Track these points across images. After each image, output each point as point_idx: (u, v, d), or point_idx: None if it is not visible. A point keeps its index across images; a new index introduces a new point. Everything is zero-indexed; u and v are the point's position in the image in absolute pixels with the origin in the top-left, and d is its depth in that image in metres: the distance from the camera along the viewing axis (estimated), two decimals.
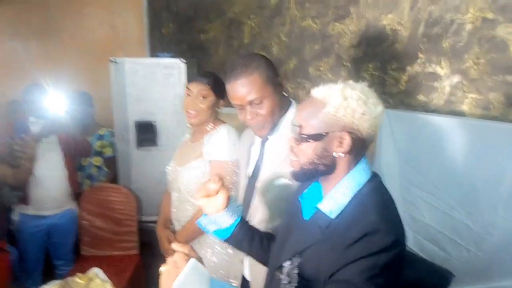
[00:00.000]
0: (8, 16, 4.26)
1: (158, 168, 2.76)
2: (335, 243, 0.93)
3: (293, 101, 1.43)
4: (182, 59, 2.63)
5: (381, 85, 2.24)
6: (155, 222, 2.73)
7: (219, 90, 1.71)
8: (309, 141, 0.98)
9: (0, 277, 2.07)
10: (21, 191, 2.39)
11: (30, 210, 2.47)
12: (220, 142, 1.68)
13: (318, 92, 1.01)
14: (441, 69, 2.04)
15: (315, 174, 1.01)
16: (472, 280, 1.62)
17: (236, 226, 1.18)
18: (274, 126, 1.35)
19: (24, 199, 2.45)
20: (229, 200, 1.15)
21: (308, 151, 0.99)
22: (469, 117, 1.92)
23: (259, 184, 1.40)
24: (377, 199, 0.98)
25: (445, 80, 2.03)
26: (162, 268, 0.91)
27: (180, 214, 1.77)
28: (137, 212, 2.76)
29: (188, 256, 0.91)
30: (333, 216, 0.97)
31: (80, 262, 2.64)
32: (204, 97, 1.70)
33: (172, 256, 0.92)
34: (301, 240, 1.02)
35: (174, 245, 0.96)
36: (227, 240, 1.21)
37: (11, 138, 2.26)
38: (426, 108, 2.09)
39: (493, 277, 1.58)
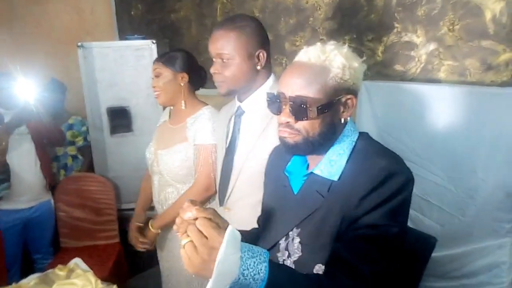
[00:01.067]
0: None
1: (134, 154, 2.70)
2: (344, 201, 0.90)
3: (272, 74, 1.38)
4: (153, 40, 2.54)
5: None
6: (134, 209, 2.70)
7: (178, 66, 1.67)
8: (317, 114, 0.91)
9: None
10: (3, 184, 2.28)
11: (3, 205, 2.37)
12: (204, 125, 1.64)
13: (312, 56, 0.92)
14: (417, 38, 2.02)
15: (323, 145, 0.96)
16: (454, 243, 1.64)
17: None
18: (238, 90, 1.35)
19: None
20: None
21: (316, 124, 0.92)
22: (446, 84, 1.92)
23: (236, 157, 1.37)
24: (376, 147, 0.97)
25: (421, 48, 2.02)
26: (184, 241, 0.74)
27: (162, 197, 1.72)
28: (116, 201, 2.68)
29: (213, 222, 0.75)
30: (335, 178, 0.94)
31: (60, 255, 2.57)
32: (157, 76, 1.67)
33: (191, 226, 0.74)
34: (298, 212, 0.98)
35: (193, 211, 0.75)
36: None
37: None
38: (404, 78, 2.08)
39: (473, 239, 1.61)
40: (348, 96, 0.94)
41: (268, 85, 1.35)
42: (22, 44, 3.72)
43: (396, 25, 2.07)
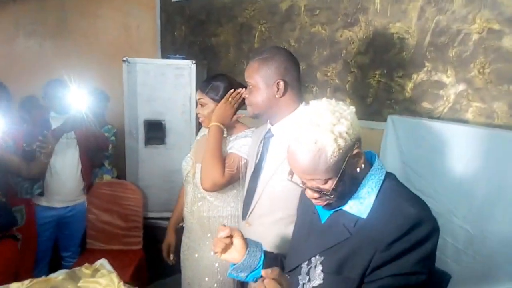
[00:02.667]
0: (25, 14, 4.38)
1: (164, 166, 2.83)
2: (372, 242, 0.94)
3: (303, 102, 1.48)
4: (193, 61, 2.69)
5: (387, 92, 2.28)
6: (159, 218, 2.81)
7: (221, 97, 1.73)
8: (335, 185, 0.96)
9: (10, 263, 2.12)
10: (38, 182, 2.46)
11: (42, 202, 2.54)
12: (242, 140, 1.71)
13: (305, 148, 0.95)
14: (447, 78, 2.08)
15: (352, 193, 1.02)
16: (469, 283, 1.64)
17: (263, 264, 1.17)
18: (262, 114, 1.47)
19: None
20: (246, 241, 1.16)
21: (339, 187, 0.97)
22: (472, 125, 1.95)
23: (261, 177, 1.47)
24: (404, 192, 1.01)
25: (450, 88, 2.07)
26: None
27: (194, 208, 1.81)
28: (143, 208, 2.80)
29: (277, 283, 0.95)
30: (363, 215, 0.99)
31: (85, 255, 2.69)
32: (202, 106, 1.77)
33: (263, 283, 0.96)
34: (323, 241, 1.04)
35: (263, 272, 0.98)
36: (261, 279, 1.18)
37: (31, 134, 2.32)
38: (431, 115, 2.13)
39: (488, 280, 1.61)
40: (354, 152, 0.97)
41: (298, 112, 1.44)
42: (69, 56, 4.00)
43: (427, 64, 2.14)
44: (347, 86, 2.44)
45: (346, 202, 1.02)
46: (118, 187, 2.81)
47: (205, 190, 1.67)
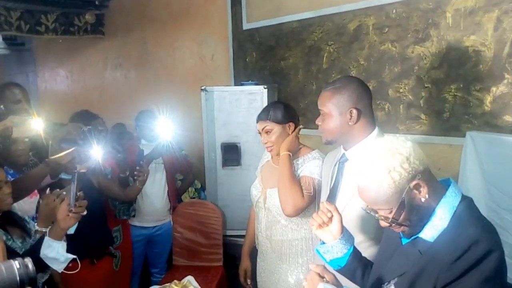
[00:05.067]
0: (112, 49, 4.90)
1: (240, 186, 2.96)
2: (437, 262, 1.01)
3: (376, 127, 1.52)
4: (264, 86, 2.83)
5: (464, 106, 2.22)
6: (237, 236, 2.95)
7: (284, 118, 1.83)
8: (401, 212, 1.04)
9: (108, 277, 2.37)
10: (133, 204, 2.74)
11: (135, 222, 2.81)
12: (312, 162, 1.80)
13: (363, 181, 1.08)
14: None
15: (421, 225, 1.08)
16: None
17: (350, 255, 1.26)
18: (335, 141, 1.53)
19: None
20: (343, 228, 1.26)
21: (404, 216, 1.05)
22: None
23: (337, 201, 1.51)
24: (471, 213, 1.06)
25: None
26: (304, 283, 1.17)
27: (269, 233, 1.89)
28: (222, 227, 2.96)
29: (320, 277, 1.12)
30: (433, 240, 1.05)
31: (171, 271, 2.90)
32: (267, 133, 1.85)
33: (310, 274, 1.15)
34: (402, 264, 1.11)
35: (311, 266, 1.17)
36: (342, 270, 1.29)
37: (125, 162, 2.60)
38: None
39: None
40: (414, 183, 1.03)
41: (372, 137, 1.48)
42: (154, 84, 4.37)
43: (507, 76, 2.05)
44: (421, 101, 2.40)
45: (421, 229, 1.08)
46: (200, 206, 3.01)
47: (288, 215, 1.74)
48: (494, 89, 2.10)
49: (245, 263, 2.17)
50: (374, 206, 1.08)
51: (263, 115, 1.88)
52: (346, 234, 1.26)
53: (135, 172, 2.38)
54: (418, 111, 2.42)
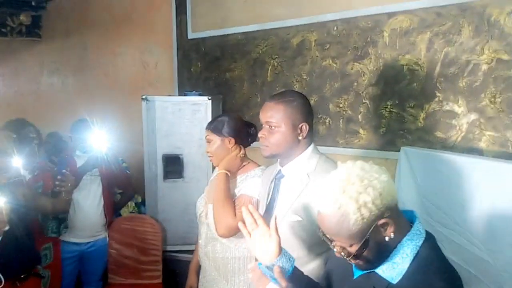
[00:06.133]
0: (49, 53, 4.62)
1: (183, 200, 2.88)
2: None
3: (312, 144, 1.52)
4: (208, 97, 2.78)
5: (399, 122, 2.31)
6: (178, 251, 2.85)
7: (224, 131, 1.79)
8: (363, 250, 0.96)
9: None
10: (65, 221, 2.56)
11: (66, 237, 2.62)
12: (252, 180, 1.75)
13: (327, 208, 0.97)
14: (458, 107, 2.10)
15: (381, 261, 1.01)
16: None
17: (288, 277, 1.14)
18: (280, 155, 1.49)
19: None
20: (281, 250, 1.16)
21: (366, 253, 0.97)
22: (486, 156, 1.96)
23: (272, 218, 1.47)
24: (439, 261, 0.98)
25: (462, 118, 2.09)
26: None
27: (208, 249, 1.83)
28: (162, 242, 2.85)
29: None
30: (394, 281, 0.97)
31: None
32: (208, 142, 1.83)
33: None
34: None
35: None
36: None
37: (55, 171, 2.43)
38: (445, 145, 2.14)
39: None
40: (382, 221, 0.94)
41: (308, 153, 1.48)
42: (94, 91, 4.16)
43: (438, 94, 2.17)
44: (359, 117, 2.47)
45: (378, 265, 1.01)
46: (138, 221, 2.87)
47: (222, 236, 1.68)
48: (426, 106, 2.21)
49: (191, 280, 2.07)
50: (333, 236, 0.99)
51: (207, 124, 1.87)
52: (284, 256, 1.17)
53: (56, 182, 2.21)
54: (357, 126, 2.49)
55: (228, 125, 1.81)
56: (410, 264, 0.97)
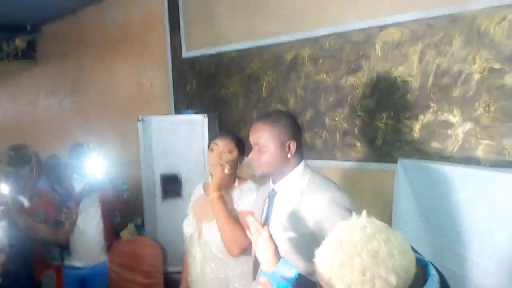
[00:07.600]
0: (45, 76, 4.65)
1: (183, 219, 2.85)
2: None
3: (303, 160, 1.52)
4: (204, 115, 2.79)
5: (396, 133, 2.31)
6: (180, 272, 2.81)
7: (241, 147, 1.83)
8: None
9: None
10: (67, 248, 2.56)
11: (67, 261, 2.60)
12: (249, 196, 1.76)
13: (322, 270, 0.86)
14: (453, 117, 2.10)
15: None
16: None
17: (294, 282, 1.14)
18: (270, 174, 1.52)
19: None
20: (279, 258, 1.20)
21: None
22: (483, 165, 1.96)
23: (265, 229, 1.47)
24: None
25: (458, 127, 2.09)
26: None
27: (206, 269, 1.78)
28: (163, 264, 2.82)
29: None
30: None
31: None
32: (229, 152, 1.81)
33: None
34: None
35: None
36: None
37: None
38: (442, 155, 2.14)
39: None
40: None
41: (299, 170, 1.49)
42: (90, 112, 4.18)
43: (432, 104, 2.17)
44: (355, 129, 2.48)
45: None
46: (138, 244, 2.86)
47: (235, 256, 1.68)
48: (421, 117, 2.21)
49: None
50: None
51: (229, 134, 1.88)
52: (284, 265, 1.19)
53: (62, 214, 2.23)
54: (353, 139, 2.48)
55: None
56: None
